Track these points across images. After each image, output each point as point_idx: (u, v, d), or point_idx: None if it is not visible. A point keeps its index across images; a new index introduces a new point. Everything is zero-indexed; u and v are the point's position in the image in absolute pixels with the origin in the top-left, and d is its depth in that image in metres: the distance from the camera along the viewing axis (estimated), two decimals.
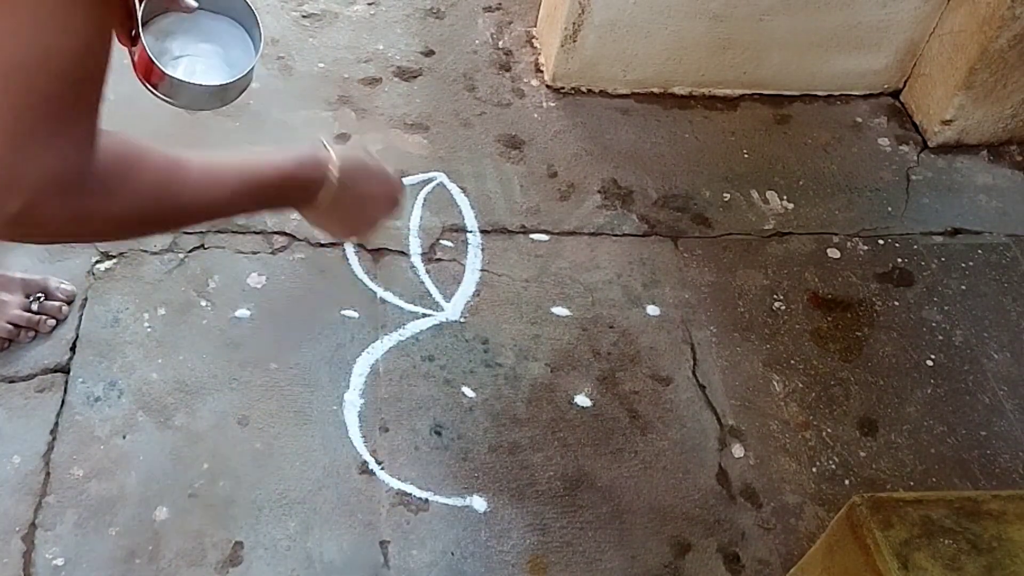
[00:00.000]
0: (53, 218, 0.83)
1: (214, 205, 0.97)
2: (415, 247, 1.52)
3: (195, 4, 0.97)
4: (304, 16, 1.87)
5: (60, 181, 0.80)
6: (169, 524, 1.17)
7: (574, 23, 1.72)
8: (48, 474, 1.19)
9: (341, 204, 1.11)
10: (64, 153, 0.80)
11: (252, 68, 1.41)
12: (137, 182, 0.88)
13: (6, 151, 0.76)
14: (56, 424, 1.24)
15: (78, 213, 0.84)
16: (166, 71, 0.93)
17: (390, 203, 1.17)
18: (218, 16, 1.52)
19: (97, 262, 1.41)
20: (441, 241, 1.54)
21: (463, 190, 1.62)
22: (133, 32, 0.89)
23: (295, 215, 1.10)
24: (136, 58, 0.93)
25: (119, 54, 0.81)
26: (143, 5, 0.89)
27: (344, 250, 1.49)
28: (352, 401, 1.32)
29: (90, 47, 0.74)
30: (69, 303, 1.35)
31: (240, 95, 1.48)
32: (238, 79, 1.40)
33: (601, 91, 1.84)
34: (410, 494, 1.24)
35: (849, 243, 1.66)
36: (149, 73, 0.94)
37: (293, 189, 1.05)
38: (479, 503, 1.25)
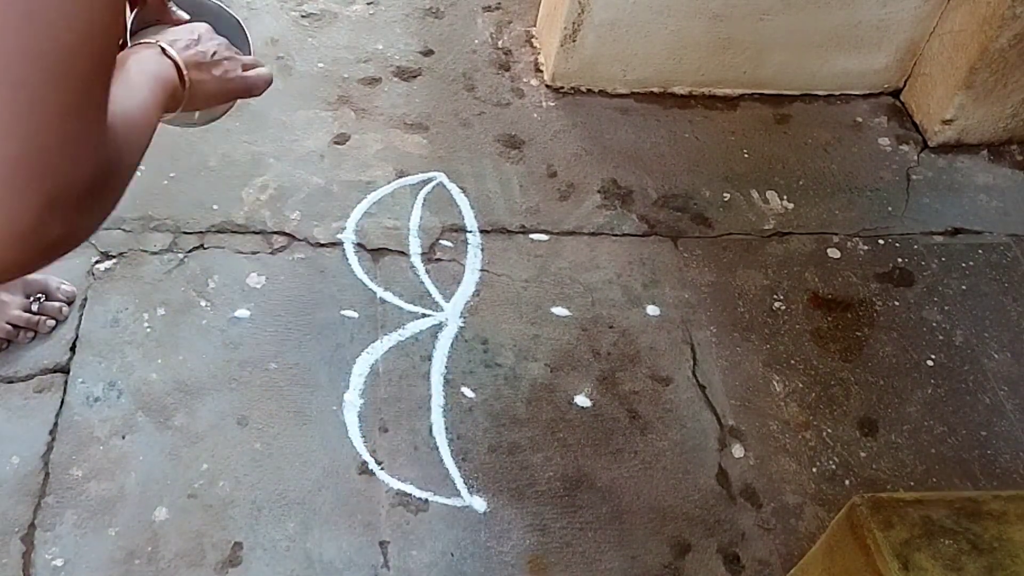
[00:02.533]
0: (92, 217, 0.72)
1: (144, 116, 0.90)
2: (415, 247, 1.52)
3: (186, 16, 0.96)
4: (304, 16, 1.87)
5: (94, 181, 0.67)
6: (168, 524, 1.17)
7: (574, 23, 1.72)
8: (47, 475, 1.19)
9: (201, 89, 1.00)
10: (98, 148, 0.66)
11: None
12: (127, 144, 0.83)
13: (39, 160, 0.60)
14: (55, 424, 1.24)
15: (109, 202, 0.78)
16: None
17: (239, 73, 1.03)
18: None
19: (97, 262, 1.41)
20: (441, 241, 1.54)
21: (463, 190, 1.62)
22: (121, 43, 0.88)
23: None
24: None
25: None
26: (132, 16, 0.89)
27: (344, 250, 1.49)
28: (352, 401, 1.31)
29: (117, 21, 0.65)
30: (69, 304, 1.34)
31: (228, 111, 1.45)
32: None
33: (601, 91, 1.84)
34: (410, 494, 1.24)
35: (849, 243, 1.66)
36: None
37: (167, 98, 0.98)
38: (479, 503, 1.25)
